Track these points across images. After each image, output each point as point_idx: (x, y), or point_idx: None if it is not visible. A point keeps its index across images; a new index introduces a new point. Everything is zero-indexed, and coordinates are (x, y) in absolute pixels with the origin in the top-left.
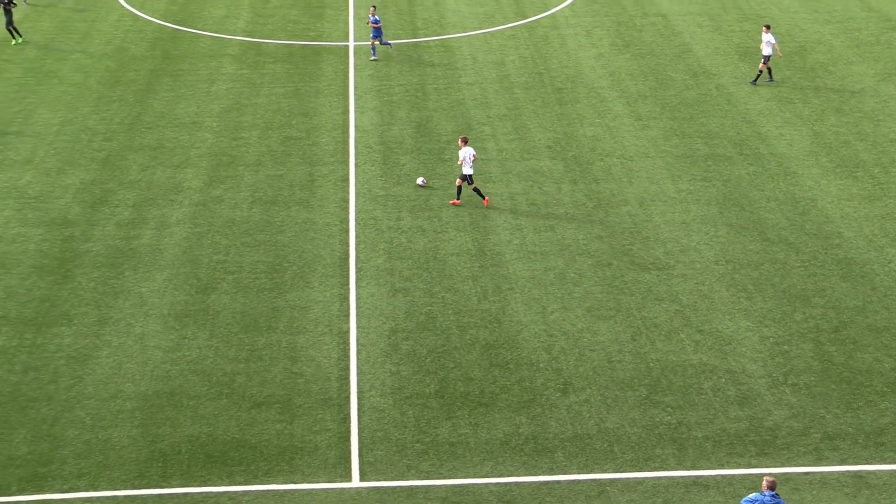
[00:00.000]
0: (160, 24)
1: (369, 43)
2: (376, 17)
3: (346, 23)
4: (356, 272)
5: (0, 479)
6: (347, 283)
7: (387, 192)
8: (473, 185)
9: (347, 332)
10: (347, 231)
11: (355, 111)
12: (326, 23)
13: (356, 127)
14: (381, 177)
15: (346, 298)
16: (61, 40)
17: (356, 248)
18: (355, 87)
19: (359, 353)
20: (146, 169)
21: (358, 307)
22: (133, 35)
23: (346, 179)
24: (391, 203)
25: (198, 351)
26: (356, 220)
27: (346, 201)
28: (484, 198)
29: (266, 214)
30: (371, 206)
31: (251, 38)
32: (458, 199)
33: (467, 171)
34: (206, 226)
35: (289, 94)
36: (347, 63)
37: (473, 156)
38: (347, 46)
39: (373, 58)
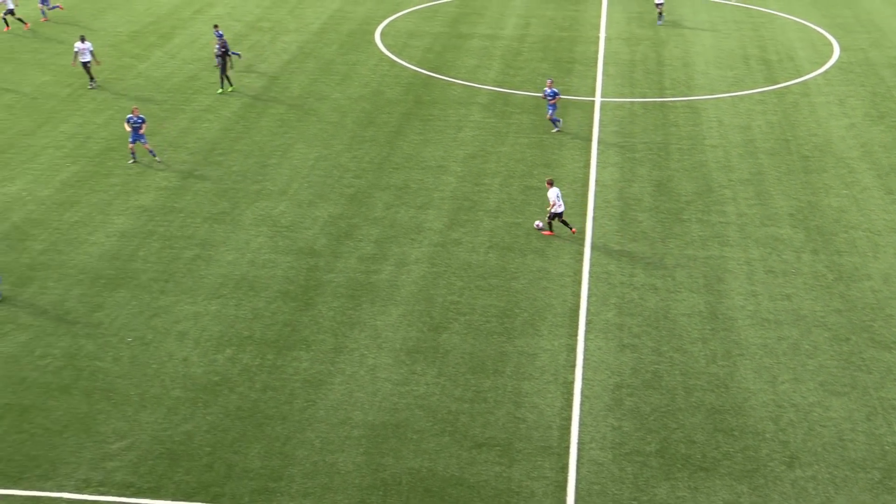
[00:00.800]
0: (415, 71)
1: (548, 115)
2: (554, 91)
3: (595, 79)
4: (586, 324)
5: (234, 488)
6: (576, 335)
7: (622, 247)
8: (561, 219)
9: (572, 382)
10: (580, 283)
11: (597, 165)
12: (575, 77)
13: (596, 181)
14: (618, 232)
15: (574, 349)
16: (324, 81)
17: (587, 301)
18: (599, 142)
19: (582, 404)
20: (391, 207)
21: (585, 359)
22: (389, 79)
23: (583, 232)
24: (625, 259)
25: (425, 387)
26: (590, 272)
27: (581, 253)
28: (572, 228)
29: (502, 260)
30: (605, 261)
31: (500, 88)
32: (550, 230)
33: (557, 209)
34: (443, 266)
35: (532, 145)
36: (592, 118)
37: (559, 196)
38: (594, 102)
39: (555, 129)
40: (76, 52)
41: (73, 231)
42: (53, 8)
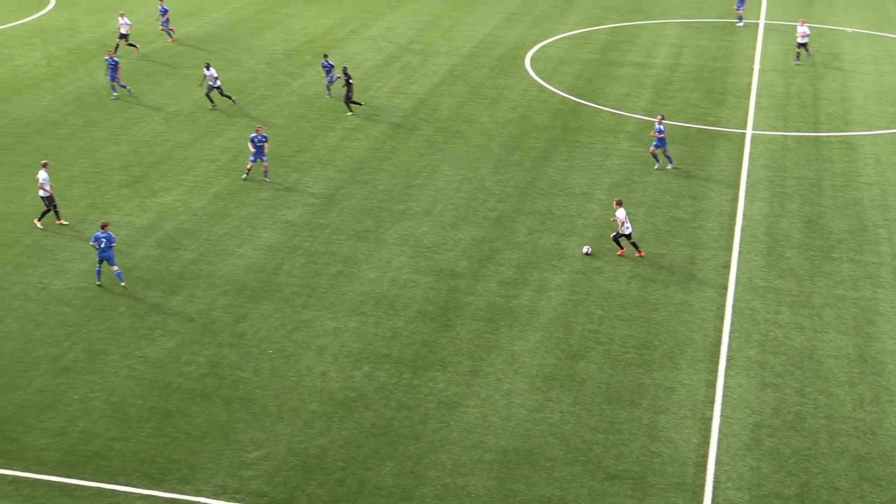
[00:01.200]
0: (564, 97)
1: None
2: (661, 128)
3: (746, 111)
4: (726, 360)
5: None
6: (716, 370)
7: (768, 283)
8: (631, 241)
9: (710, 419)
10: (722, 318)
11: (745, 199)
12: (726, 109)
13: (744, 215)
14: (764, 268)
15: (713, 385)
16: (472, 104)
17: (729, 337)
18: (748, 176)
19: (720, 442)
20: (533, 233)
21: (724, 395)
22: (537, 105)
23: (728, 266)
24: (771, 295)
25: (560, 415)
26: (733, 308)
27: (725, 288)
28: (638, 251)
29: (643, 291)
30: (750, 297)
31: (649, 117)
32: (622, 248)
33: (626, 230)
34: (584, 294)
35: (679, 175)
36: (742, 151)
37: (627, 217)
38: (744, 134)
39: (657, 166)
40: (205, 77)
41: (222, 242)
42: (167, 30)
